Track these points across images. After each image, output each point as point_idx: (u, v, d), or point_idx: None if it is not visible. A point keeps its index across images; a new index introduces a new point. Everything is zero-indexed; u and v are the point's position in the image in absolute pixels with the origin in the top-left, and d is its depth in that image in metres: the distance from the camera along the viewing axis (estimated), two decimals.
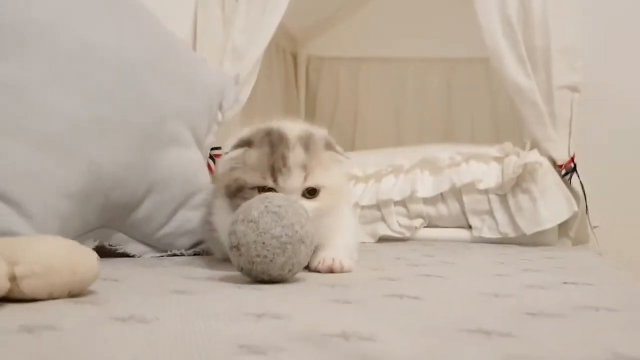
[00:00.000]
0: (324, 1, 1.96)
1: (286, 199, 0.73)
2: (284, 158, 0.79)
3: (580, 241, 1.48)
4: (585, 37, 1.70)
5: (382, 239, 1.44)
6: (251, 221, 0.69)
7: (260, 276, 0.69)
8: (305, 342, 0.41)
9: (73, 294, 0.58)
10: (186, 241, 1.06)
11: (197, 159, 1.12)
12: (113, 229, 0.97)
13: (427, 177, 1.49)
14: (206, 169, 1.19)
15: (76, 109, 0.85)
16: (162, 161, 1.00)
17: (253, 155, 0.81)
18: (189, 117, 1.10)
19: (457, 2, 1.78)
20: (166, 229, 1.03)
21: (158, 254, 1.04)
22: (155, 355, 0.37)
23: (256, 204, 0.71)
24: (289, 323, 0.48)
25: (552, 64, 1.44)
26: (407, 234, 1.46)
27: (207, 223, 1.01)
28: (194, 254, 1.08)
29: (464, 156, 1.49)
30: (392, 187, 1.49)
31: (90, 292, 0.60)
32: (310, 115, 2.32)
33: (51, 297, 0.56)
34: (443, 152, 1.51)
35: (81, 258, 0.58)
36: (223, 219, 0.87)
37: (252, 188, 0.80)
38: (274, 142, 0.80)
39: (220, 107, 1.30)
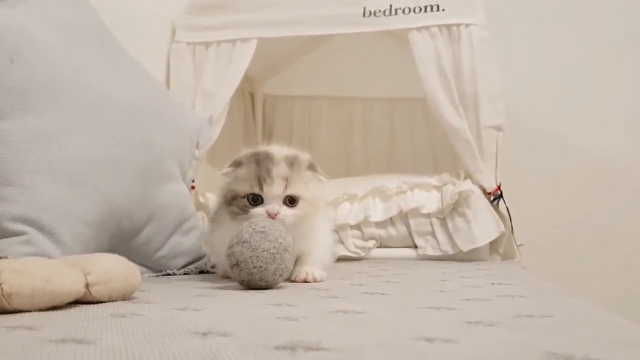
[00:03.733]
0: (278, 46, 2.05)
1: (268, 221, 0.91)
2: (268, 170, 0.97)
3: (507, 257, 1.63)
4: (514, 83, 1.95)
5: (340, 259, 1.52)
6: (245, 242, 0.86)
7: (258, 284, 0.87)
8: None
9: (125, 298, 0.74)
10: (178, 262, 1.21)
11: (185, 192, 1.28)
12: (118, 252, 1.11)
13: (378, 204, 1.61)
14: (191, 199, 1.35)
15: (95, 152, 1.00)
16: (160, 194, 1.15)
17: (243, 170, 0.99)
18: (178, 156, 1.26)
19: (399, 48, 1.92)
20: (162, 252, 1.18)
21: (154, 274, 1.19)
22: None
23: (246, 228, 0.88)
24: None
25: (480, 107, 1.59)
26: (362, 254, 1.58)
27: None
28: (184, 274, 1.23)
29: (409, 185, 1.60)
30: (348, 213, 1.60)
31: (133, 297, 0.77)
32: None
33: (111, 300, 0.72)
34: (391, 182, 1.62)
35: (131, 270, 0.75)
36: (217, 237, 1.04)
37: (243, 196, 0.98)
38: (260, 159, 0.98)
39: (197, 145, 1.48)
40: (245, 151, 1.04)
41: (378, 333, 0.52)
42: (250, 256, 0.85)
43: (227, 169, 1.02)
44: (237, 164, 1.01)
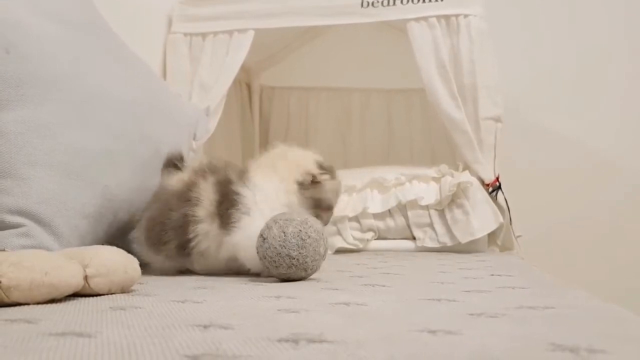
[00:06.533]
0: (275, 37, 2.02)
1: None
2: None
3: (506, 248, 1.61)
4: (512, 75, 1.94)
5: (339, 251, 1.54)
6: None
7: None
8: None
9: (124, 290, 0.74)
10: None
11: None
12: (116, 244, 1.10)
13: (377, 195, 1.59)
14: None
15: (92, 144, 0.99)
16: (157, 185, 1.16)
17: (331, 183, 1.06)
18: (175, 148, 1.26)
19: (397, 39, 1.92)
20: None
21: None
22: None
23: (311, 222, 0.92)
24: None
25: (478, 99, 1.57)
26: (360, 246, 1.55)
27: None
28: None
29: (407, 177, 1.58)
30: (346, 205, 1.57)
31: (132, 290, 0.77)
32: (264, 140, 2.44)
33: (110, 292, 0.72)
34: (389, 174, 1.61)
35: (130, 262, 0.75)
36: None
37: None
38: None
39: (194, 137, 1.47)
40: (319, 159, 1.07)
41: (380, 325, 0.51)
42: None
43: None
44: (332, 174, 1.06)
